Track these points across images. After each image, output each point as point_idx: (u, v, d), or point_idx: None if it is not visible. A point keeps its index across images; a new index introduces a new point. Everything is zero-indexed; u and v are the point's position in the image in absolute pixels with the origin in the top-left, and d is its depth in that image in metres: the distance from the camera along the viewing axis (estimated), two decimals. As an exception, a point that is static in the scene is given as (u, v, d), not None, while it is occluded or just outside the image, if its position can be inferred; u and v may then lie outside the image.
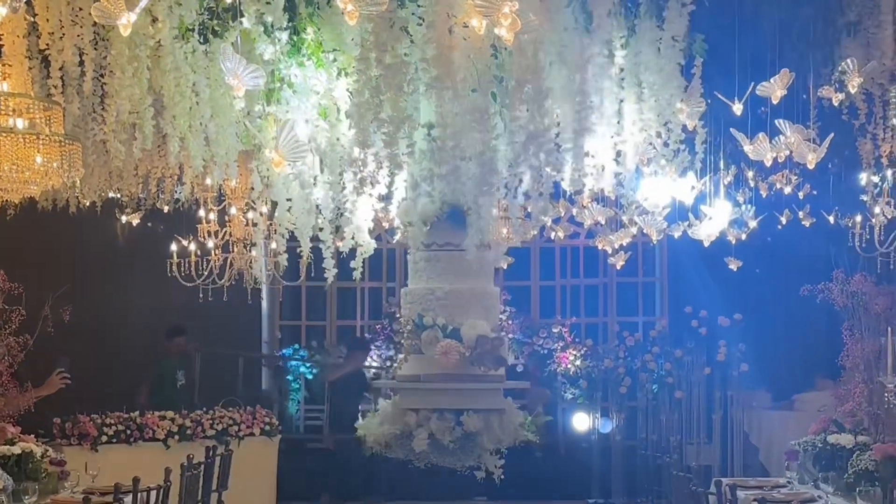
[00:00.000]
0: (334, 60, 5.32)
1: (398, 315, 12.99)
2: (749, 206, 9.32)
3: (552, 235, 10.73)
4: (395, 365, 7.03)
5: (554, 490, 12.11)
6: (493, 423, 6.77)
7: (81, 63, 5.71)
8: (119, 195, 9.12)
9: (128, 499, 6.68)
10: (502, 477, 6.81)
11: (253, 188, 6.89)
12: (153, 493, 7.11)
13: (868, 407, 7.58)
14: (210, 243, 9.90)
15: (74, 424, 10.15)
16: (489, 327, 6.82)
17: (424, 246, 6.94)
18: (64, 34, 5.55)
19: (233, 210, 9.58)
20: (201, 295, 10.19)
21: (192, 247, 10.05)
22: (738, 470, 12.28)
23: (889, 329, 6.56)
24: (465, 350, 6.59)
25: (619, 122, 5.80)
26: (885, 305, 7.64)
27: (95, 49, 5.66)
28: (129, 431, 10.34)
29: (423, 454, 6.70)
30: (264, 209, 8.39)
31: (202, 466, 7.84)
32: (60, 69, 5.78)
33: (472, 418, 6.69)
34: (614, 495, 12.20)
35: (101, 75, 5.72)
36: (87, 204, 8.74)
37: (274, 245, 9.15)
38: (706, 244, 8.80)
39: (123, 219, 10.22)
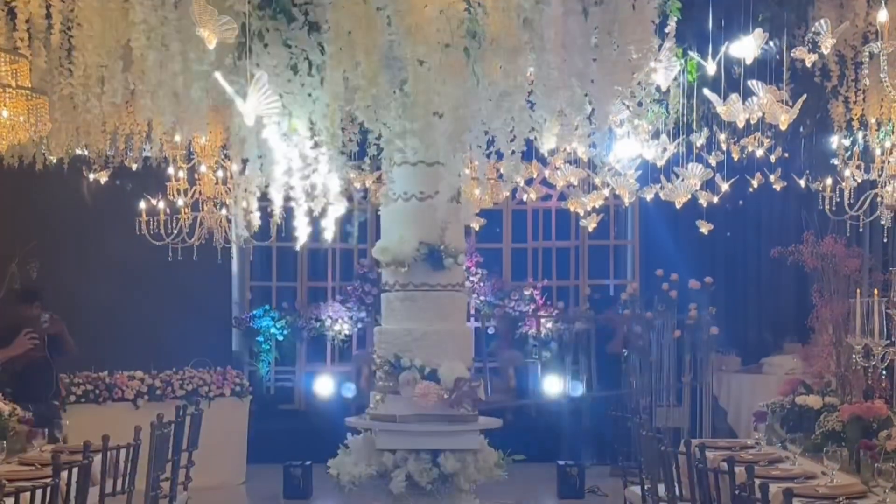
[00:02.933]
0: (306, 14, 5.25)
1: (368, 272, 13.05)
2: (720, 170, 9.32)
3: (524, 197, 10.71)
4: (371, 406, 7.02)
5: (524, 452, 12.15)
6: (469, 463, 6.82)
7: (48, 15, 5.61)
8: (86, 152, 9.01)
9: (97, 457, 6.65)
10: None
11: (223, 145, 6.83)
12: (122, 452, 7.09)
13: (836, 368, 7.66)
14: (179, 201, 9.82)
15: (43, 383, 10.10)
16: (465, 367, 6.86)
17: (400, 286, 6.95)
18: (31, -15, 5.45)
19: (202, 168, 9.50)
20: (170, 254, 10.13)
21: (162, 205, 9.97)
22: (707, 432, 12.37)
23: (858, 290, 6.60)
24: (443, 392, 6.63)
25: (592, 81, 5.76)
26: (853, 267, 7.71)
27: (63, 1, 5.56)
28: (97, 391, 10.32)
29: (401, 496, 6.74)
30: (235, 167, 8.31)
31: (172, 426, 7.81)
32: (27, 21, 5.68)
33: (449, 459, 6.74)
34: (584, 457, 12.26)
35: (69, 28, 5.63)
36: (54, 161, 8.64)
37: (245, 204, 9.06)
38: (678, 207, 8.81)
39: (91, 176, 10.11)
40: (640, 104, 5.94)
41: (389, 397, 6.79)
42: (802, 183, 10.07)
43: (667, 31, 5.87)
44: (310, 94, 5.40)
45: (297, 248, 5.34)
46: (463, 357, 6.89)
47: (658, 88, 6.14)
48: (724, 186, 9.30)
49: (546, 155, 8.40)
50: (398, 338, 6.85)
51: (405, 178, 6.90)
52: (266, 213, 6.28)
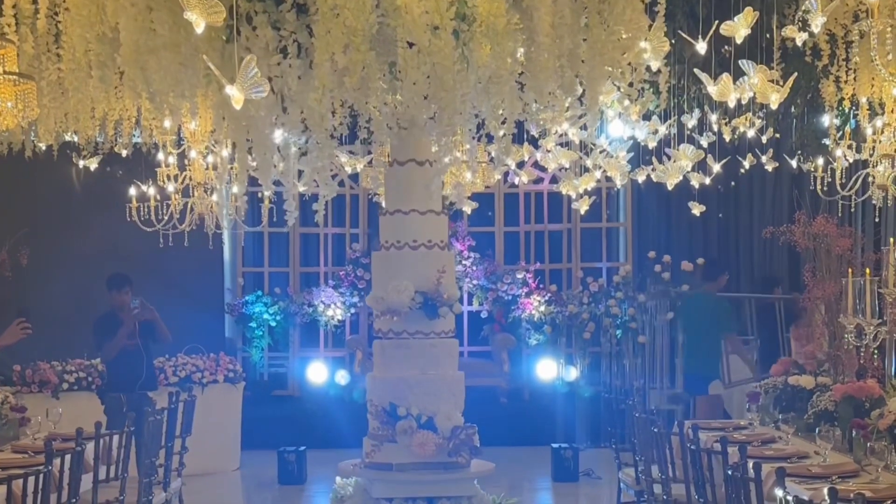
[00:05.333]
0: (294, -4, 5.22)
1: (363, 254, 13.02)
2: (712, 151, 9.31)
3: (516, 180, 10.69)
4: (366, 455, 7.02)
5: (518, 436, 12.19)
6: (464, 510, 6.86)
7: (35, 0, 5.58)
8: (76, 138, 8.98)
9: (90, 444, 6.64)
10: None
11: (213, 130, 6.80)
12: (115, 438, 7.08)
13: (828, 348, 7.67)
14: (170, 187, 9.78)
15: (35, 372, 10.10)
16: (460, 414, 6.87)
17: (394, 334, 6.94)
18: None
19: (193, 153, 9.45)
20: (161, 240, 10.10)
21: (152, 191, 9.94)
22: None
23: (850, 270, 6.60)
24: (441, 441, 6.64)
25: (582, 62, 5.73)
26: (845, 247, 7.71)
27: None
28: (90, 379, 10.30)
29: None
30: (225, 152, 8.27)
31: (165, 412, 7.80)
32: (14, 7, 5.64)
33: (445, 507, 6.79)
34: (578, 440, 12.28)
35: (56, 13, 5.59)
36: (43, 148, 8.61)
37: (235, 189, 9.03)
38: (670, 188, 8.80)
39: (81, 163, 10.07)
40: (631, 85, 5.92)
41: (386, 445, 6.79)
42: (794, 163, 10.06)
43: (656, 10, 5.84)
44: (299, 77, 5.38)
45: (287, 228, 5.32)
46: (456, 403, 6.92)
47: (648, 69, 6.11)
48: (716, 168, 9.28)
49: (537, 137, 8.40)
50: (393, 386, 6.86)
51: (397, 225, 6.90)
52: (256, 199, 6.26)
